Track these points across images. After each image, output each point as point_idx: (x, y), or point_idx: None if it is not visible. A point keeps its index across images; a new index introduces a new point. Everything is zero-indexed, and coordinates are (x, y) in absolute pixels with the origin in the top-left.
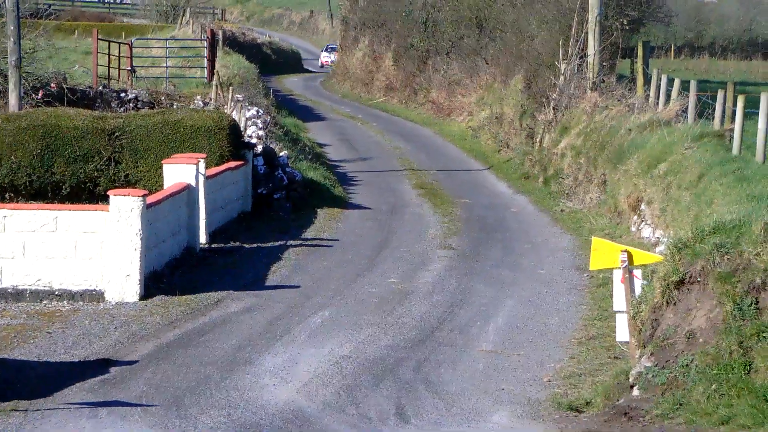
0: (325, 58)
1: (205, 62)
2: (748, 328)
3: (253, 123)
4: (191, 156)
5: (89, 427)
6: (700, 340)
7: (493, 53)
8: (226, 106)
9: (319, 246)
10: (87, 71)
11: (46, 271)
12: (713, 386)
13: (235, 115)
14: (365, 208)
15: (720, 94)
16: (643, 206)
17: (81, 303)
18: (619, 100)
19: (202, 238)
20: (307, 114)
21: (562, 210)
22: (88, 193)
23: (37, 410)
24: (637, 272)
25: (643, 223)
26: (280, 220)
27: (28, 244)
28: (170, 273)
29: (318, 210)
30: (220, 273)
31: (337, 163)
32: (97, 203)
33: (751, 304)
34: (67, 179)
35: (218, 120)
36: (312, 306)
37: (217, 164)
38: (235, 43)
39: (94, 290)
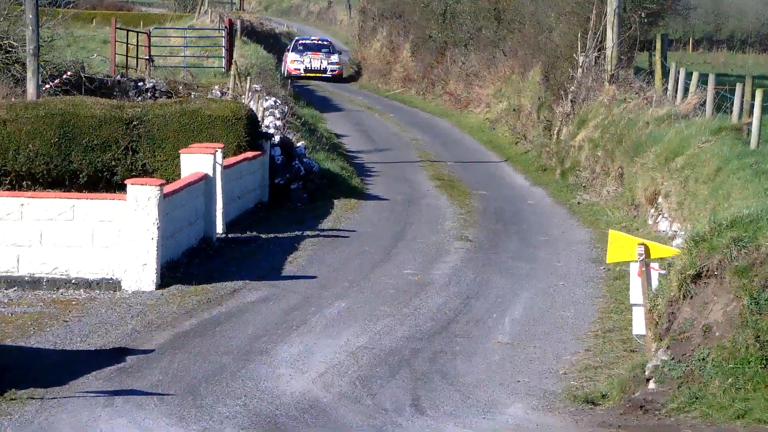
0: (296, 63)
1: (223, 52)
2: (764, 323)
3: (270, 113)
4: (209, 146)
5: (105, 416)
6: (717, 333)
7: (511, 45)
8: (243, 96)
9: (335, 237)
10: (105, 60)
11: (63, 260)
12: (729, 380)
13: (252, 105)
14: (382, 199)
15: (738, 87)
16: (660, 199)
17: (97, 292)
18: (637, 93)
19: (219, 228)
20: (325, 104)
21: (579, 203)
22: (106, 182)
23: (53, 398)
24: (655, 265)
25: (660, 216)
26: (296, 210)
27: (45, 232)
28: (187, 262)
29: (335, 201)
30: (236, 263)
31: (354, 154)
32: (114, 192)
33: None
34: (85, 168)
35: (236, 110)
36: (328, 297)
37: (235, 154)
38: (253, 33)
39: (111, 279)
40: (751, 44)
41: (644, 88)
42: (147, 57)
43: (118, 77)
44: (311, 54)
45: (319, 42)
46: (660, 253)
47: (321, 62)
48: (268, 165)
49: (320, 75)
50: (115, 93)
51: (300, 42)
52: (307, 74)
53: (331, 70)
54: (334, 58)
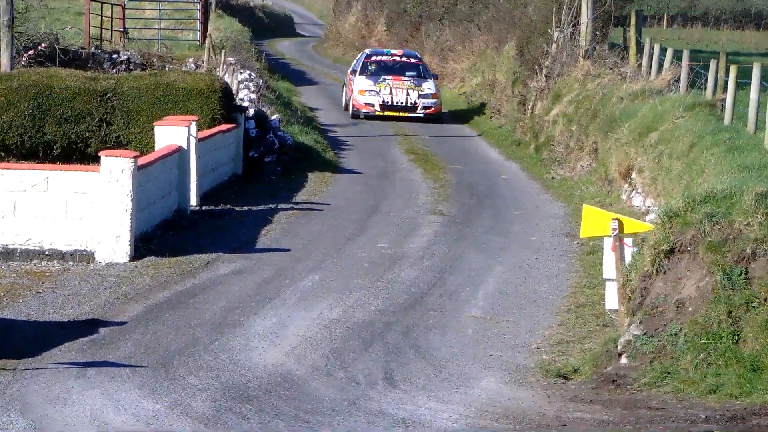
0: (367, 95)
1: (198, 25)
2: (737, 298)
3: (245, 86)
4: (183, 118)
5: (77, 387)
6: (690, 309)
7: (486, 20)
8: (218, 69)
9: (309, 210)
10: (79, 32)
11: (36, 231)
12: (701, 355)
13: (227, 78)
14: (356, 172)
15: (712, 63)
16: (634, 175)
17: (71, 263)
18: (611, 69)
19: (193, 201)
20: (300, 78)
21: (553, 177)
22: (80, 153)
23: (26, 369)
24: (628, 240)
25: (634, 191)
26: (270, 183)
27: (18, 203)
28: (160, 234)
29: (309, 174)
30: (210, 235)
31: (328, 128)
32: (88, 164)
33: (741, 273)
34: (59, 140)
35: (210, 83)
36: (302, 269)
37: (209, 127)
38: (227, 6)
39: (84, 251)
40: (725, 21)
41: (619, 63)
42: (121, 29)
43: (93, 49)
44: (392, 79)
45: (404, 60)
46: (634, 228)
47: (407, 93)
48: (242, 138)
49: (406, 114)
50: (89, 65)
51: (373, 58)
52: (386, 112)
53: (425, 107)
54: (429, 86)
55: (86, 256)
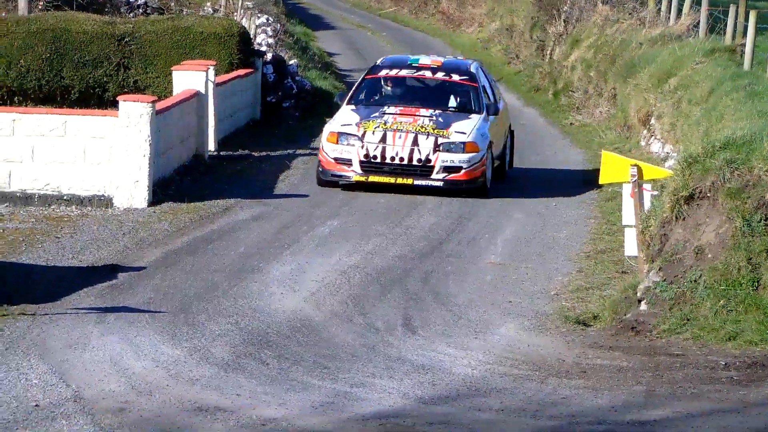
0: (341, 142)
1: None
2: (757, 245)
3: (263, 31)
4: (201, 63)
5: (96, 332)
6: (709, 255)
7: None
8: (235, 14)
9: None
10: None
11: (54, 176)
12: (721, 302)
13: (244, 23)
14: None
15: (732, 9)
16: (653, 121)
17: (89, 208)
18: (630, 14)
19: (211, 146)
20: (317, 23)
21: (571, 123)
22: (97, 98)
23: (45, 314)
24: (647, 186)
25: (653, 137)
26: (288, 128)
27: (36, 148)
28: (179, 180)
29: (327, 119)
30: (228, 181)
31: (346, 73)
32: (106, 109)
33: (761, 220)
34: (76, 84)
35: (228, 27)
36: (320, 215)
37: (227, 71)
38: None
39: (103, 196)
40: None
41: (637, 8)
42: None
43: None
44: (396, 114)
45: (439, 77)
46: (653, 175)
47: (414, 142)
48: (260, 83)
49: (409, 182)
50: (106, 9)
51: (383, 73)
52: (372, 177)
53: (446, 167)
54: (463, 127)
55: (104, 202)
